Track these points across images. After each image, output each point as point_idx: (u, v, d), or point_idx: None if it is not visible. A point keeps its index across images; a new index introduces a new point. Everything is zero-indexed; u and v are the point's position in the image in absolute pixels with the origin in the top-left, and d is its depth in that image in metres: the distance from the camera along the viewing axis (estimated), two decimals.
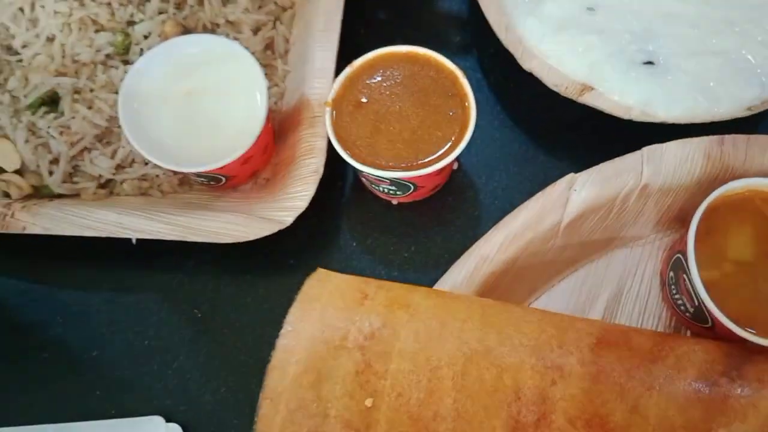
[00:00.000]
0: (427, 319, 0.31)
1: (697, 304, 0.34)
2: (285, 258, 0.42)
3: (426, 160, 0.37)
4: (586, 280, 0.40)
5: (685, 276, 0.35)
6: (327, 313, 0.31)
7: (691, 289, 0.34)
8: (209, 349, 0.41)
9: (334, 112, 0.38)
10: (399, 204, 0.43)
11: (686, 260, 0.34)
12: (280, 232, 0.38)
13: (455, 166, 0.43)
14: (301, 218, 0.39)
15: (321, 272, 0.33)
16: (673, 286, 0.37)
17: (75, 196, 0.41)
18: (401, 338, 0.31)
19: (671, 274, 0.37)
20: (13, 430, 0.39)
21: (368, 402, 0.29)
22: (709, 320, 0.34)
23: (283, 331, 0.31)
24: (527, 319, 0.32)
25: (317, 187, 0.39)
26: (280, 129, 0.43)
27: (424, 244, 0.42)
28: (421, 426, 0.29)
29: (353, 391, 0.29)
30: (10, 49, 0.42)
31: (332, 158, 0.39)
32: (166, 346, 0.41)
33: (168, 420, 0.39)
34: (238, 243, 0.39)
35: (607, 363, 0.30)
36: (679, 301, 0.37)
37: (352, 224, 0.43)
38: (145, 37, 0.42)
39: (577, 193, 0.37)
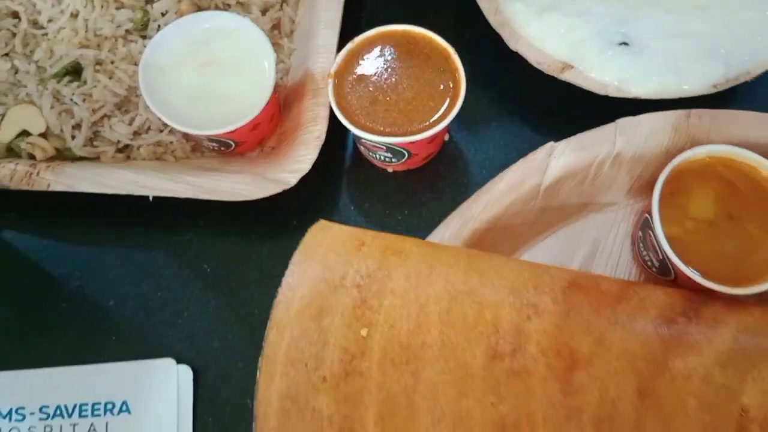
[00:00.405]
0: (417, 264, 0.35)
1: (661, 257, 0.38)
2: (288, 219, 0.45)
3: (419, 127, 0.40)
4: (563, 241, 0.43)
5: (650, 232, 0.38)
6: (328, 257, 0.35)
7: (656, 244, 0.38)
8: (217, 301, 0.44)
9: (336, 83, 0.41)
10: (394, 172, 0.46)
11: (652, 218, 0.37)
12: (284, 195, 0.42)
13: (446, 137, 0.46)
14: (304, 183, 0.42)
15: (323, 223, 0.36)
16: (641, 244, 0.41)
17: (95, 159, 0.45)
18: (394, 279, 0.34)
19: (640, 233, 0.41)
20: (35, 372, 0.43)
21: (363, 332, 0.33)
22: (672, 272, 0.38)
23: (288, 271, 0.34)
24: (507, 266, 0.36)
25: (319, 155, 0.42)
26: (285, 102, 0.46)
27: (416, 209, 0.46)
28: (410, 353, 0.32)
29: (350, 323, 0.33)
30: (36, 24, 0.46)
31: (334, 130, 0.43)
32: (177, 297, 0.44)
33: (179, 362, 0.42)
34: (245, 204, 0.42)
35: (576, 302, 0.34)
36: (646, 258, 0.40)
37: (351, 190, 0.47)
38: (162, 15, 0.45)
39: (556, 159, 0.41)
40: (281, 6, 0.48)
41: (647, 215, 0.39)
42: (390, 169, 0.46)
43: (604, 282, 0.36)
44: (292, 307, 0.33)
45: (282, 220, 0.45)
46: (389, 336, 0.33)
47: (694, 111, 0.41)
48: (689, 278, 0.36)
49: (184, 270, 0.45)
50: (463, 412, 0.32)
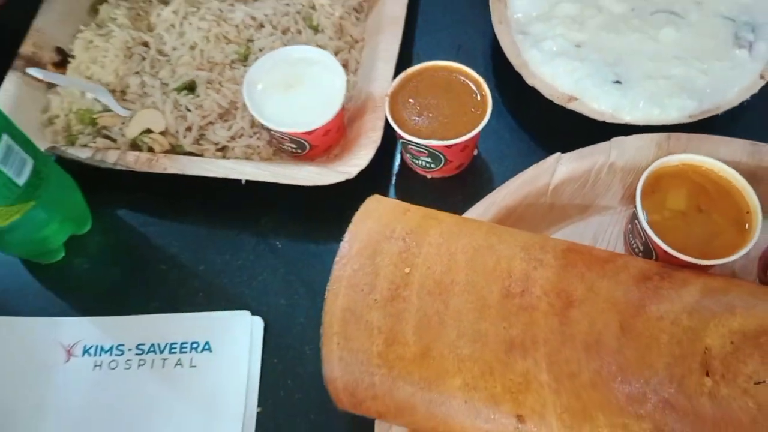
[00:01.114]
0: (449, 226, 0.45)
1: (644, 240, 0.48)
2: (346, 209, 0.55)
3: (454, 135, 0.52)
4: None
5: (636, 222, 0.48)
6: (381, 217, 0.45)
7: (641, 229, 0.47)
8: (285, 269, 0.55)
9: (391, 101, 0.53)
10: (432, 179, 0.58)
11: (636, 209, 0.47)
12: (344, 190, 0.53)
13: (475, 152, 0.58)
14: (360, 183, 0.53)
15: (377, 196, 0.47)
16: (630, 235, 0.50)
17: (199, 155, 0.57)
18: (430, 234, 0.44)
19: (629, 226, 0.51)
20: (135, 317, 0.53)
21: (406, 270, 0.43)
22: (654, 253, 0.47)
23: (351, 224, 0.45)
24: (519, 233, 0.46)
25: (373, 164, 0.54)
26: (349, 121, 0.58)
27: (450, 209, 0.56)
28: (442, 287, 0.42)
29: (396, 262, 0.43)
30: (161, 52, 0.60)
31: (386, 144, 0.55)
32: (253, 266, 0.55)
33: (253, 314, 0.52)
34: (312, 195, 0.53)
35: (573, 260, 0.44)
36: (634, 244, 0.50)
37: (397, 192, 0.58)
38: (260, 50, 0.59)
39: (562, 165, 0.52)
40: (349, 50, 0.62)
41: (634, 210, 0.49)
42: (429, 176, 0.57)
43: (595, 250, 0.45)
44: (353, 247, 0.43)
45: (341, 209, 0.55)
46: (426, 274, 0.43)
47: (673, 134, 0.52)
48: (667, 254, 0.46)
49: (260, 244, 0.56)
50: (481, 331, 0.41)
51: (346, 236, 0.44)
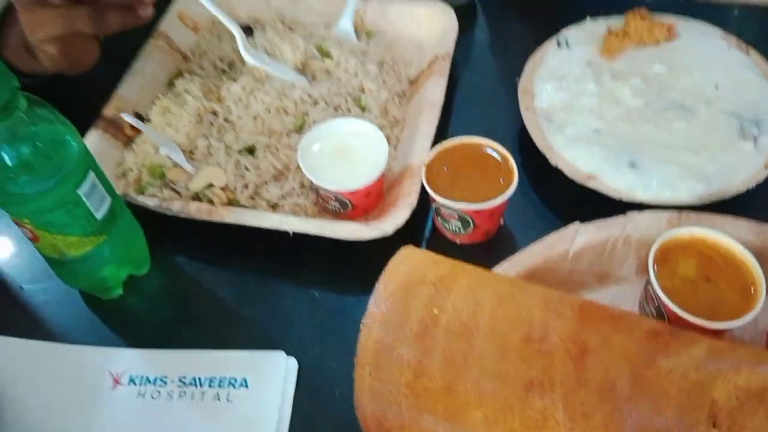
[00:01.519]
0: (476, 276, 0.50)
1: (657, 304, 0.51)
2: (380, 265, 0.61)
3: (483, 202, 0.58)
4: None
5: (649, 286, 0.52)
6: (413, 264, 0.50)
7: (653, 294, 0.51)
8: (321, 318, 0.59)
9: (427, 171, 0.60)
10: (461, 243, 0.63)
11: (649, 274, 0.52)
12: (379, 249, 0.58)
13: (502, 221, 0.63)
14: (394, 244, 0.58)
15: (410, 246, 0.52)
16: (644, 302, 0.54)
17: (254, 209, 0.63)
18: (459, 282, 0.49)
19: (643, 294, 0.54)
20: (180, 351, 0.57)
21: (435, 311, 0.47)
22: (665, 316, 0.51)
23: (386, 269, 0.50)
24: (541, 288, 0.50)
25: (407, 228, 0.59)
26: (388, 188, 0.65)
27: None
28: (467, 329, 0.46)
29: (426, 304, 0.47)
30: (228, 120, 0.68)
31: (421, 210, 0.61)
32: (292, 312, 0.59)
33: (288, 355, 0.56)
34: (350, 250, 0.59)
35: (589, 314, 0.47)
36: (647, 310, 0.53)
37: None
38: (314, 122, 0.67)
39: (581, 234, 0.57)
40: (391, 128, 0.69)
41: (647, 277, 0.53)
42: (458, 241, 0.63)
43: (610, 308, 0.49)
44: (387, 288, 0.48)
45: (375, 266, 0.61)
46: (453, 316, 0.47)
47: (684, 212, 0.57)
48: (677, 316, 0.49)
49: (300, 294, 0.61)
50: (502, 370, 0.44)
51: (382, 278, 0.49)
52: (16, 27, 0.61)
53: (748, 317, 0.48)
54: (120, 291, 0.62)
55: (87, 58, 0.63)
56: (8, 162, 0.48)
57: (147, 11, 0.61)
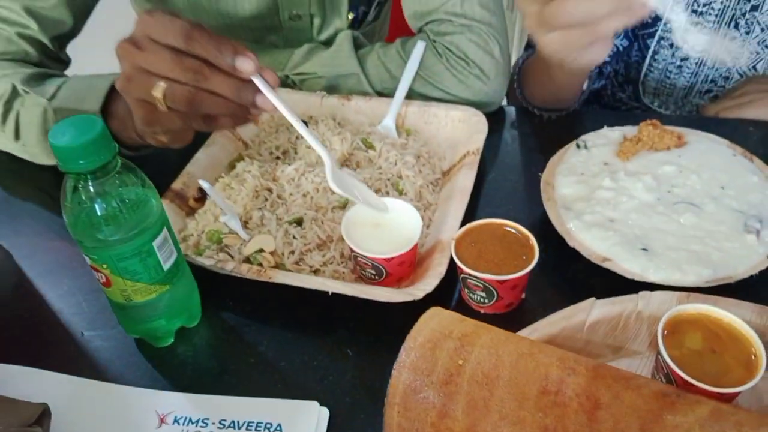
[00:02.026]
0: (498, 335, 0.55)
1: (666, 372, 0.55)
2: (409, 328, 0.66)
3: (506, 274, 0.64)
4: None
5: (659, 356, 0.56)
6: (441, 321, 0.56)
7: (662, 362, 0.55)
8: (353, 374, 0.64)
9: (456, 245, 0.67)
10: (485, 314, 0.68)
11: (659, 344, 0.56)
12: (409, 313, 0.64)
13: (523, 295, 0.69)
14: (423, 310, 0.64)
15: (438, 307, 0.58)
16: (654, 371, 0.58)
17: (298, 273, 0.70)
18: (482, 338, 0.54)
19: (654, 364, 0.58)
20: (222, 397, 0.62)
21: (460, 361, 0.52)
22: (674, 382, 0.55)
23: (416, 324, 0.55)
24: (558, 349, 0.54)
25: (434, 298, 0.65)
26: (419, 261, 0.71)
27: None
28: (489, 379, 0.51)
29: (452, 356, 0.52)
30: (280, 196, 0.77)
31: (449, 281, 0.67)
32: (326, 367, 0.64)
33: (321, 405, 0.60)
34: (382, 313, 0.65)
35: (602, 373, 0.52)
36: (657, 377, 0.57)
37: None
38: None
39: (596, 308, 0.62)
40: (425, 210, 0.77)
41: (658, 348, 0.57)
42: (482, 311, 0.68)
43: (621, 369, 0.53)
44: (417, 340, 0.53)
45: (406, 328, 0.66)
46: (476, 367, 0.51)
47: (692, 294, 0.62)
48: (685, 381, 0.53)
49: (334, 351, 0.66)
50: (520, 417, 0.48)
51: (412, 332, 0.55)
52: (125, 104, 0.67)
53: (750, 384, 0.52)
54: (171, 340, 0.68)
55: (186, 139, 0.70)
56: (98, 213, 0.57)
57: (257, 112, 0.64)
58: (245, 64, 0.59)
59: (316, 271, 0.70)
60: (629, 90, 1.09)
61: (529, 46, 1.05)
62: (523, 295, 0.69)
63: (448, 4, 0.92)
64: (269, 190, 0.78)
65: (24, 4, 0.84)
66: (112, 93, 0.73)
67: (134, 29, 0.61)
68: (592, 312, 0.62)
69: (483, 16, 0.91)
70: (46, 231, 0.83)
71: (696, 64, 1.00)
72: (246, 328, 0.69)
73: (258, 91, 0.61)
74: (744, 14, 0.95)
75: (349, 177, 0.71)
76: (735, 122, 0.92)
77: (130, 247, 0.59)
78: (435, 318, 0.56)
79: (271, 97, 0.61)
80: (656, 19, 1.00)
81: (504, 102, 0.96)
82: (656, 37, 1.01)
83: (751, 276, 0.64)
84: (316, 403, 0.61)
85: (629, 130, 0.84)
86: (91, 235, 0.58)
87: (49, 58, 0.90)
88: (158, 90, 0.60)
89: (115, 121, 0.73)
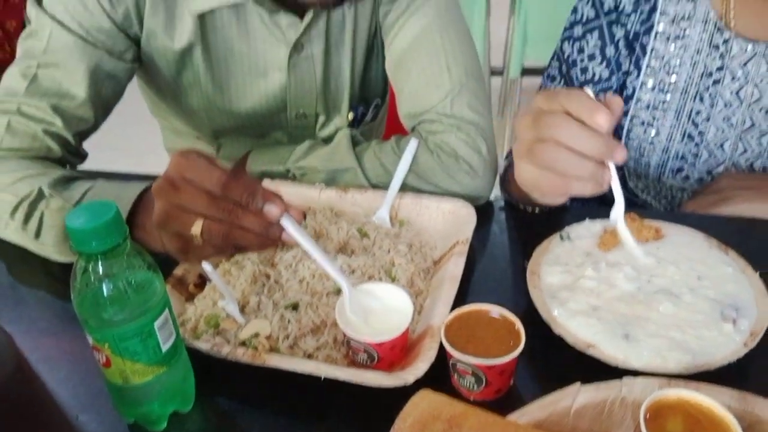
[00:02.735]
0: (486, 417, 0.56)
1: None
2: (399, 412, 0.68)
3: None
4: None
5: None
6: (431, 403, 0.57)
7: None
8: None
9: (446, 331, 0.69)
10: (474, 399, 0.69)
11: (641, 427, 0.57)
12: (398, 398, 0.65)
13: (511, 382, 0.70)
14: (413, 394, 0.66)
15: (428, 389, 0.60)
16: None
17: (291, 356, 0.72)
18: (470, 420, 0.56)
19: None
20: None
21: None
22: None
23: (407, 404, 0.57)
24: None
25: (427, 379, 0.67)
26: (410, 346, 0.74)
27: None
28: None
29: None
30: (278, 282, 0.80)
31: (439, 368, 0.69)
32: None
33: None
34: (373, 397, 0.66)
35: None
36: None
37: None
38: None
39: (582, 394, 0.63)
40: (416, 297, 0.80)
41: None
42: (471, 398, 0.69)
43: None
44: (407, 422, 0.55)
45: (396, 411, 0.67)
46: None
47: (673, 380, 0.64)
48: None
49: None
50: None
51: (402, 414, 0.57)
52: (150, 215, 0.69)
53: None
54: (164, 425, 0.69)
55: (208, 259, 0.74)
56: (105, 293, 0.60)
57: (276, 234, 0.69)
58: (273, 210, 0.66)
59: (309, 356, 0.72)
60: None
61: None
62: (512, 382, 0.70)
63: (439, 105, 1.00)
64: (267, 275, 0.81)
65: (52, 103, 0.91)
66: (138, 204, 0.77)
67: (169, 169, 0.67)
68: (577, 398, 0.63)
69: (471, 117, 0.99)
70: (50, 317, 0.85)
71: (666, 139, 1.06)
72: (239, 414, 0.70)
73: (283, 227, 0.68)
74: (707, 88, 1.02)
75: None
76: (711, 215, 0.97)
77: (132, 327, 0.61)
78: (425, 400, 0.58)
79: (297, 237, 0.69)
80: (627, 98, 1.08)
81: (492, 196, 1.02)
82: (629, 116, 1.08)
83: (729, 363, 0.66)
84: None
85: (609, 223, 0.88)
86: (96, 315, 0.60)
87: (69, 153, 0.96)
88: (197, 227, 0.66)
89: (141, 232, 0.75)
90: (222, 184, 0.64)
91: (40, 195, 0.84)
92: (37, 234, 0.84)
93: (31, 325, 0.84)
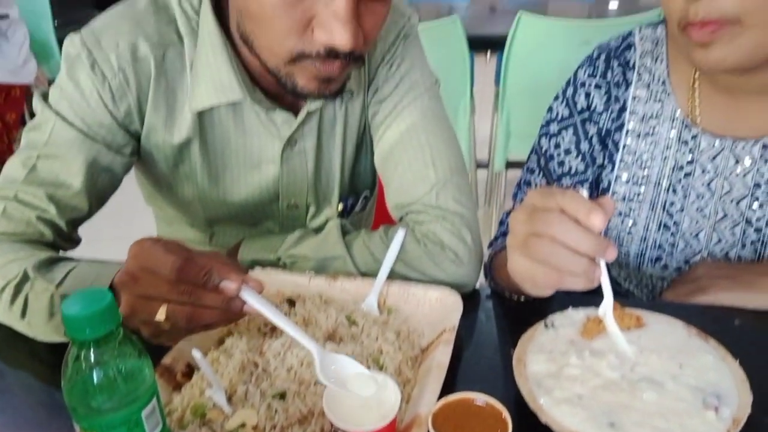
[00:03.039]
0: None
1: None
2: None
3: None
4: None
5: None
6: None
7: None
8: None
9: (433, 418, 0.70)
10: None
11: None
12: None
13: None
14: None
15: None
16: None
17: None
18: None
19: None
20: None
21: None
22: None
23: None
24: None
25: None
26: None
27: None
28: None
29: None
30: (266, 370, 0.81)
31: None
32: None
33: None
34: None
35: None
36: None
37: None
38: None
39: None
40: (404, 385, 0.81)
41: None
42: None
43: None
44: None
45: None
46: None
47: None
48: None
49: None
50: None
51: None
52: (126, 297, 0.74)
53: None
54: None
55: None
56: (95, 381, 0.61)
57: (238, 307, 0.73)
58: (230, 286, 0.71)
59: None
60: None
61: (497, 238, 1.17)
62: None
63: (425, 197, 1.04)
64: (255, 364, 0.82)
65: (48, 192, 0.95)
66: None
67: (128, 261, 0.72)
68: None
69: (456, 208, 1.03)
70: (36, 405, 0.84)
71: (644, 228, 1.10)
72: None
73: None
74: (680, 180, 1.07)
75: (339, 358, 0.76)
76: (690, 304, 0.99)
77: (120, 415, 0.61)
78: None
79: (258, 306, 0.73)
80: (604, 190, 1.13)
81: (478, 284, 1.04)
82: None
83: None
84: None
85: (592, 311, 0.91)
86: (85, 403, 0.61)
87: (61, 239, 0.98)
88: (161, 313, 0.70)
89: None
90: (177, 269, 0.68)
91: (25, 277, 0.86)
92: (23, 314, 0.87)
93: (17, 413, 0.83)
